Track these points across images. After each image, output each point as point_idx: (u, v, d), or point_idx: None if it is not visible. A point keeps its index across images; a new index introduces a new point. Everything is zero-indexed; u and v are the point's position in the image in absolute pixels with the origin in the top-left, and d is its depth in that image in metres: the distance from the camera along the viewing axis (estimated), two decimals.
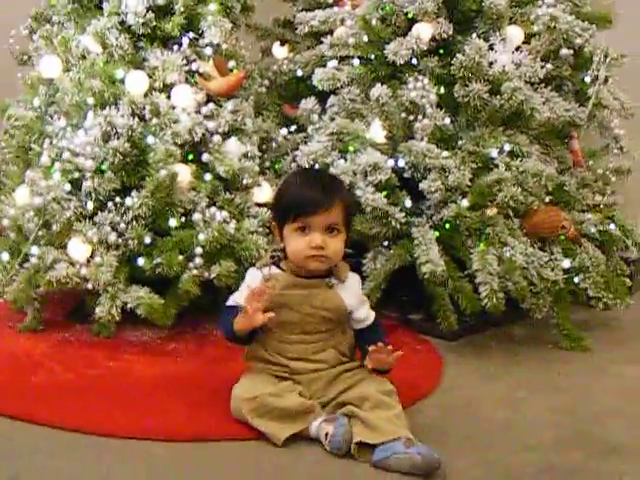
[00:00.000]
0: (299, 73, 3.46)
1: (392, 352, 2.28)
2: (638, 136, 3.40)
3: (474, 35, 3.06)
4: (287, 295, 2.31)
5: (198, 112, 2.90)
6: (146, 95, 2.89)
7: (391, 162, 2.97)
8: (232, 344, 2.40)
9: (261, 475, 2.06)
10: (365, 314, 2.39)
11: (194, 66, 2.95)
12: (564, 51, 3.18)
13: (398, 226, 2.94)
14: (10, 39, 3.26)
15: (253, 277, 2.36)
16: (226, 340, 2.38)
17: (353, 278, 2.41)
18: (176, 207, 2.82)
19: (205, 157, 2.89)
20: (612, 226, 3.29)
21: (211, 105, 2.93)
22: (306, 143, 3.14)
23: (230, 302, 2.36)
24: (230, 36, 3.01)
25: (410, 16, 3.12)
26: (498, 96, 3.00)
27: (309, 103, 3.21)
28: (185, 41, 2.95)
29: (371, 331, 2.39)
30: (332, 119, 3.14)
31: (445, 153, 2.97)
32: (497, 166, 2.97)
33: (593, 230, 3.22)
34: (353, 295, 2.37)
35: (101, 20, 2.95)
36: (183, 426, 2.26)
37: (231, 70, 3.04)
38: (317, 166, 2.99)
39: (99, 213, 2.78)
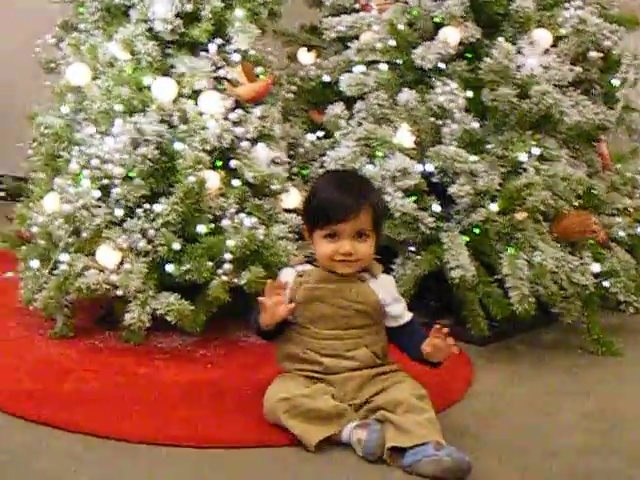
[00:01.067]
0: (326, 79, 3.45)
1: (450, 343, 2.26)
2: None
3: (501, 38, 3.05)
4: (320, 288, 2.32)
5: (226, 118, 2.90)
6: (174, 102, 2.89)
7: (420, 167, 2.97)
8: (263, 339, 2.43)
9: None
10: (400, 311, 2.38)
11: (222, 72, 2.95)
12: (592, 54, 3.17)
13: (427, 231, 2.93)
14: (37, 48, 3.28)
15: (286, 274, 2.39)
16: (257, 336, 2.42)
17: (387, 278, 2.42)
18: (205, 213, 2.82)
19: (233, 163, 2.89)
20: None
21: (239, 111, 2.93)
22: (334, 149, 3.13)
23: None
24: (257, 42, 3.00)
25: (437, 20, 3.13)
26: (527, 100, 3.00)
27: (336, 108, 3.21)
28: (213, 47, 2.95)
29: (410, 330, 2.39)
30: (359, 124, 3.13)
31: (474, 157, 2.96)
32: (526, 170, 2.96)
33: (622, 234, 3.21)
34: (386, 291, 2.36)
35: (128, 27, 2.95)
36: (214, 433, 2.26)
37: (258, 76, 3.04)
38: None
39: (128, 220, 2.79)
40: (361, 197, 2.31)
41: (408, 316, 2.40)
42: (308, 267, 2.38)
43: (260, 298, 2.29)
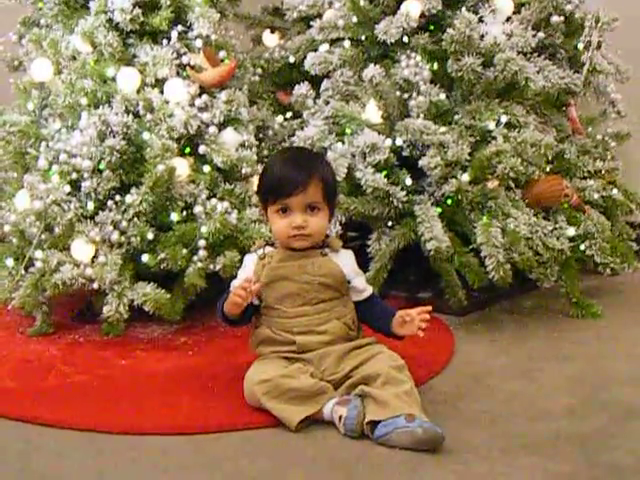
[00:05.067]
0: (291, 59, 3.46)
1: (421, 322, 2.31)
2: (635, 99, 3.40)
3: (463, 8, 3.04)
4: (283, 267, 2.35)
5: (192, 105, 2.90)
6: (139, 91, 2.89)
7: (389, 141, 2.96)
8: (229, 326, 2.45)
9: (278, 462, 2.05)
10: (363, 285, 2.41)
11: (185, 59, 2.95)
12: (555, 18, 3.18)
13: (400, 205, 2.94)
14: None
15: (249, 260, 2.42)
16: (222, 321, 2.43)
17: (347, 252, 2.43)
18: (176, 201, 2.82)
19: (202, 149, 2.89)
20: (615, 191, 3.30)
21: (205, 97, 2.93)
22: (302, 129, 3.13)
23: (231, 288, 2.38)
24: (219, 26, 2.99)
25: None
26: (491, 68, 3.00)
27: (303, 88, 3.20)
28: (174, 35, 2.95)
29: (372, 303, 2.42)
30: (327, 103, 3.14)
31: (442, 129, 2.96)
32: (495, 138, 2.96)
33: (596, 196, 3.23)
34: (348, 265, 2.39)
35: (88, 19, 2.94)
36: (198, 418, 2.25)
37: (222, 60, 3.03)
38: (315, 150, 2.97)
39: (100, 212, 2.79)
40: (309, 170, 2.33)
41: (369, 289, 2.43)
42: (269, 249, 2.40)
43: (234, 298, 2.30)
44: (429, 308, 2.33)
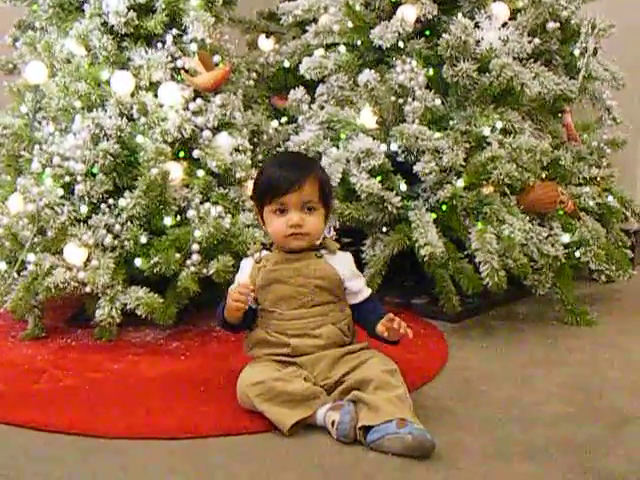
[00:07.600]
0: (286, 64, 3.47)
1: (400, 329, 2.27)
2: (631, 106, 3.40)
3: (459, 14, 3.04)
4: (278, 270, 2.35)
5: (186, 109, 2.89)
6: (133, 95, 2.88)
7: (384, 147, 2.96)
8: (229, 332, 2.47)
9: (271, 466, 2.04)
10: (359, 287, 2.40)
11: (179, 63, 2.95)
12: (551, 24, 3.17)
13: (395, 211, 2.93)
14: None
15: (246, 264, 2.42)
16: (222, 328, 2.44)
17: (344, 254, 2.42)
18: (170, 205, 2.81)
19: (196, 153, 2.88)
20: (610, 198, 3.30)
21: (199, 101, 2.92)
22: (297, 134, 3.12)
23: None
24: (214, 30, 2.99)
25: None
26: (487, 74, 2.99)
27: (298, 93, 3.20)
28: (169, 38, 2.94)
29: (369, 306, 2.39)
30: (322, 107, 3.14)
31: (437, 134, 2.95)
32: (490, 144, 2.95)
33: (591, 203, 3.22)
34: (344, 266, 2.38)
35: (83, 22, 2.94)
36: (190, 423, 2.24)
37: (217, 64, 3.02)
38: (309, 154, 2.97)
39: (93, 216, 2.78)
40: (305, 170, 2.33)
41: (367, 292, 2.42)
42: (265, 253, 2.40)
43: (234, 304, 2.29)
44: (395, 319, 2.28)
